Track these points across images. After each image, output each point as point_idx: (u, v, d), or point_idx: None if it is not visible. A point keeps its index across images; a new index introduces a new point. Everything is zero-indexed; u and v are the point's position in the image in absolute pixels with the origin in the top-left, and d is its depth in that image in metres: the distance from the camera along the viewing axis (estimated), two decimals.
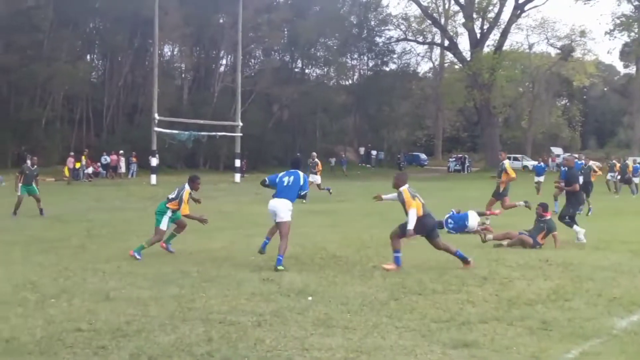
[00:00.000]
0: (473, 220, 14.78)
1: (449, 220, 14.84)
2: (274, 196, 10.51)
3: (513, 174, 17.12)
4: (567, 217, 13.54)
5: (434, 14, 61.16)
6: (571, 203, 13.98)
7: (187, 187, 11.14)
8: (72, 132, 46.89)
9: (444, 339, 6.16)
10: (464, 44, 62.72)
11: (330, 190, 25.12)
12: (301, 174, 10.71)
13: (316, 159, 25.66)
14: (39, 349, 5.76)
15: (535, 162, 32.79)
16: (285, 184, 10.46)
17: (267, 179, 10.99)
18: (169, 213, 11.04)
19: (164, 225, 10.92)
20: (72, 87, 45.80)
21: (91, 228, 14.75)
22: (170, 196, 11.31)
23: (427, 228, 10.02)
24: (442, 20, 61.77)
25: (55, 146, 43.40)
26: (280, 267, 9.59)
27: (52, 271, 9.39)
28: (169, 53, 56.64)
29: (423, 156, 69.66)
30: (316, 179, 24.70)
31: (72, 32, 46.43)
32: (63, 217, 17.58)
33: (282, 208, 10.33)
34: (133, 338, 6.08)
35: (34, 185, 18.39)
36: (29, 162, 19.60)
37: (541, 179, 27.62)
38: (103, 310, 7.07)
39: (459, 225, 14.60)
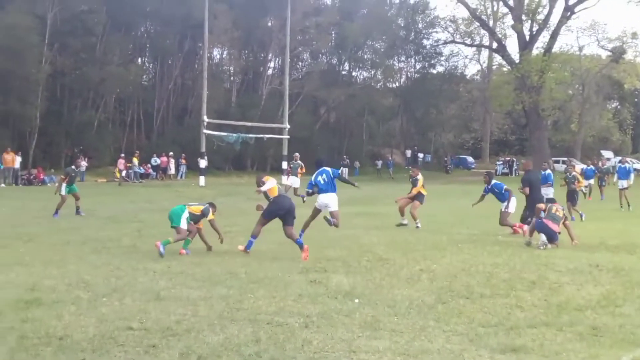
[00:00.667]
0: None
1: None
2: (320, 193, 12.90)
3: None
4: (527, 219, 14.13)
5: (482, 16, 60.42)
6: (528, 206, 14.72)
7: (211, 209, 11.86)
8: (123, 134, 47.74)
9: (492, 343, 6.11)
10: (512, 46, 62.08)
11: (304, 199, 20.96)
12: (328, 168, 13.24)
13: (299, 161, 24.69)
14: (92, 347, 5.85)
15: (584, 166, 32.05)
16: (322, 182, 12.90)
17: (308, 189, 13.46)
18: (187, 214, 11.48)
19: (183, 224, 11.38)
20: (124, 90, 46.67)
21: (142, 228, 14.98)
22: (192, 203, 12.09)
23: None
24: (491, 22, 60.99)
25: (106, 148, 44.21)
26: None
27: (104, 270, 9.54)
28: (218, 56, 57.29)
29: (470, 159, 68.94)
30: (295, 181, 23.68)
31: (124, 36, 47.22)
32: (115, 217, 17.89)
33: (332, 200, 12.95)
34: (182, 337, 6.15)
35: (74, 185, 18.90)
36: (74, 165, 20.10)
37: (590, 182, 27.08)
38: (153, 310, 7.17)
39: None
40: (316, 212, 13.29)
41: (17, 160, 35.00)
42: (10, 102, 37.92)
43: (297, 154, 24.55)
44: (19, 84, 38.33)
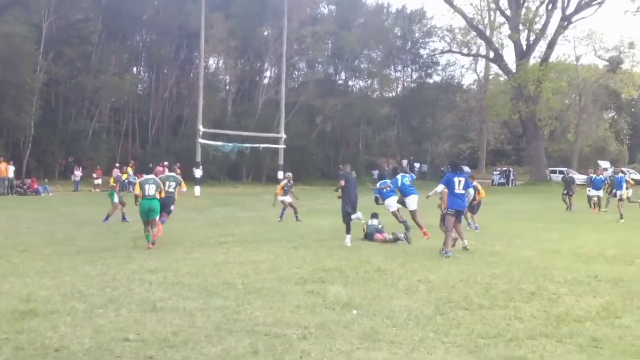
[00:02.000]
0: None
1: None
2: (406, 195, 15.35)
3: None
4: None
5: (479, 26, 60.67)
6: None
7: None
8: (118, 144, 47.78)
9: (492, 355, 6.09)
10: (509, 55, 62.11)
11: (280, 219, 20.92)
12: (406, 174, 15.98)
13: (292, 181, 22.62)
14: (88, 358, 5.83)
15: (584, 176, 31.77)
16: (407, 183, 15.31)
17: (391, 185, 15.73)
18: None
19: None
20: (119, 99, 46.66)
21: (137, 238, 14.88)
22: None
23: None
24: (488, 32, 61.24)
25: (101, 157, 44.10)
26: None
27: (100, 281, 9.48)
28: (214, 65, 57.49)
29: (467, 169, 68.91)
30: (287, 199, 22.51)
31: (119, 45, 47.32)
32: (110, 227, 17.85)
33: (414, 201, 15.27)
34: (180, 349, 6.13)
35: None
36: (117, 171, 22.03)
37: (599, 193, 26.59)
38: (150, 321, 7.14)
39: None
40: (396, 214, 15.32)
41: (11, 170, 34.88)
42: (5, 110, 37.95)
43: (290, 174, 23.51)
44: (14, 92, 38.31)
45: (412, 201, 15.59)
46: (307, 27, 54.63)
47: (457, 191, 13.08)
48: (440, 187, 13.36)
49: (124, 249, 13.18)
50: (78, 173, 39.73)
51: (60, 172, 42.67)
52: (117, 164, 39.93)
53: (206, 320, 7.22)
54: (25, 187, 35.43)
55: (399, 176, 15.88)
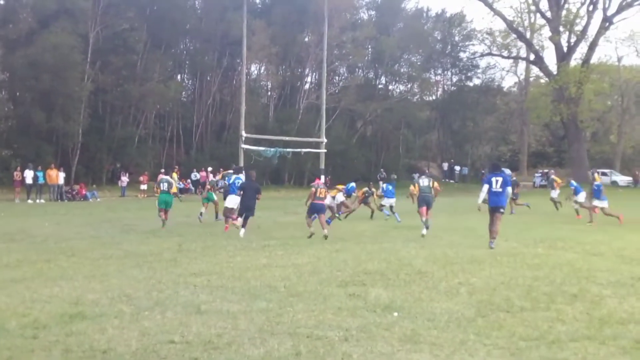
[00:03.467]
0: None
1: None
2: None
3: None
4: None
5: (519, 28, 60.09)
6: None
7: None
8: (163, 150, 48.41)
9: (534, 357, 6.09)
10: (550, 57, 61.48)
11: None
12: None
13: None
14: None
15: (629, 178, 31.32)
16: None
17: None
18: None
19: None
20: (164, 106, 47.37)
21: (182, 242, 15.11)
22: None
23: None
24: (528, 34, 60.60)
25: (147, 163, 44.80)
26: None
27: (146, 284, 9.64)
28: (256, 72, 57.83)
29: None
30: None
31: (164, 53, 47.95)
32: (155, 232, 18.07)
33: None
34: (224, 351, 6.21)
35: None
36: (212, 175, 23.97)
37: None
38: (195, 323, 7.24)
39: None
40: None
41: (61, 177, 35.67)
42: (54, 119, 38.74)
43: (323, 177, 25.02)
44: (63, 101, 39.14)
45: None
46: (347, 32, 54.69)
47: (494, 189, 14.54)
48: (485, 187, 14.72)
49: (169, 253, 13.36)
50: (125, 179, 40.42)
51: (108, 178, 43.45)
52: (162, 170, 40.62)
53: (249, 322, 7.30)
54: (74, 192, 36.21)
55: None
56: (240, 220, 17.44)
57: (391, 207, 23.79)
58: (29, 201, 33.02)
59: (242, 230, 17.03)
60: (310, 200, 17.72)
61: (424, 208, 17.54)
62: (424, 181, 18.14)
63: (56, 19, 38.78)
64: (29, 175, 33.57)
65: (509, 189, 14.89)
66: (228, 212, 19.02)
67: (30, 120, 38.32)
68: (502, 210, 14.63)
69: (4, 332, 6.81)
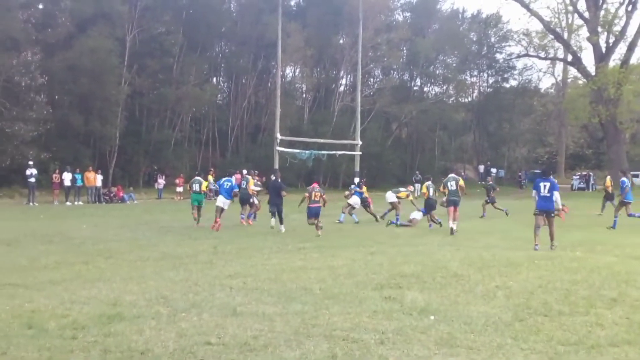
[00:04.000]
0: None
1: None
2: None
3: None
4: None
5: (557, 29, 59.20)
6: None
7: None
8: (199, 152, 48.83)
9: None
10: (588, 58, 60.59)
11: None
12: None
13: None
14: None
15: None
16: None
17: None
18: None
19: None
20: (199, 109, 47.77)
21: (218, 245, 15.21)
22: None
23: None
24: (565, 35, 59.71)
25: (183, 166, 45.18)
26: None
27: (183, 286, 9.71)
28: (291, 74, 58.01)
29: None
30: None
31: (199, 56, 48.33)
32: (191, 234, 18.23)
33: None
34: (260, 353, 6.24)
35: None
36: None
37: None
38: (231, 325, 7.28)
39: None
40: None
41: (99, 179, 36.14)
42: (92, 122, 39.31)
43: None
44: (100, 104, 39.69)
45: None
46: (382, 34, 54.61)
47: (542, 194, 15.26)
48: (534, 193, 15.67)
49: (205, 255, 13.46)
50: (161, 181, 40.81)
51: (145, 181, 43.91)
52: (197, 172, 40.97)
53: (285, 324, 7.32)
54: (111, 195, 36.64)
55: None
56: (219, 221, 19.65)
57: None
58: (67, 203, 33.49)
59: (273, 220, 19.82)
60: (306, 203, 19.10)
61: (452, 208, 18.98)
62: (452, 185, 19.45)
63: (94, 23, 39.32)
64: (67, 177, 34.04)
65: (557, 193, 15.08)
66: (218, 210, 20.30)
67: (69, 124, 38.91)
68: (552, 214, 15.27)
69: (44, 332, 6.91)
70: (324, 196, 19.21)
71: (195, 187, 21.86)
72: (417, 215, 21.79)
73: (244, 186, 22.80)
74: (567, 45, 58.89)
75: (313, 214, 18.58)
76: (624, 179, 22.70)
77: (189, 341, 6.61)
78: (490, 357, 6.15)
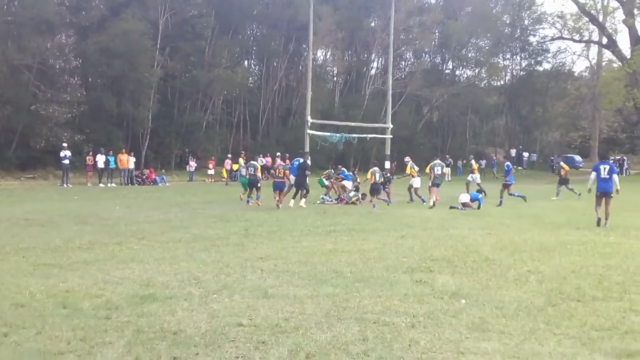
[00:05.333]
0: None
1: None
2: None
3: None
4: None
5: (592, 11, 58.25)
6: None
7: None
8: (230, 135, 49.01)
9: (606, 347, 5.95)
10: (623, 41, 59.42)
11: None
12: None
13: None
14: (204, 341, 6.03)
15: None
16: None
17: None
18: None
19: None
20: (231, 92, 47.89)
21: (249, 227, 15.25)
22: None
23: None
24: (600, 17, 58.72)
25: (214, 148, 45.43)
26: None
27: (214, 268, 9.77)
28: (322, 57, 57.93)
29: (578, 158, 66.33)
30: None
31: (231, 39, 48.40)
32: (222, 216, 18.28)
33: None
34: (291, 334, 6.26)
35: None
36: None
37: None
38: (262, 307, 7.31)
39: None
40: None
41: (131, 161, 36.50)
42: (124, 104, 39.63)
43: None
44: (133, 87, 39.98)
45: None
46: (414, 17, 54.25)
47: (602, 176, 16.18)
48: (593, 175, 16.49)
49: (236, 237, 13.50)
50: (193, 164, 41.12)
51: (176, 163, 44.23)
52: (229, 155, 41.20)
53: (316, 307, 7.33)
54: (143, 177, 36.98)
55: None
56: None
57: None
58: (100, 185, 33.88)
59: (292, 202, 21.33)
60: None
61: (434, 188, 22.27)
62: (438, 169, 22.93)
63: (127, 6, 39.57)
64: (100, 159, 34.44)
65: (615, 177, 16.25)
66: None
67: (102, 106, 39.30)
68: (611, 195, 16.16)
69: (78, 312, 7.01)
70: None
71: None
72: (465, 197, 22.21)
73: (252, 172, 22.97)
74: (602, 28, 57.95)
75: (277, 187, 21.83)
76: None
77: (220, 322, 6.66)
78: (522, 342, 6.10)
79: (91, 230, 14.51)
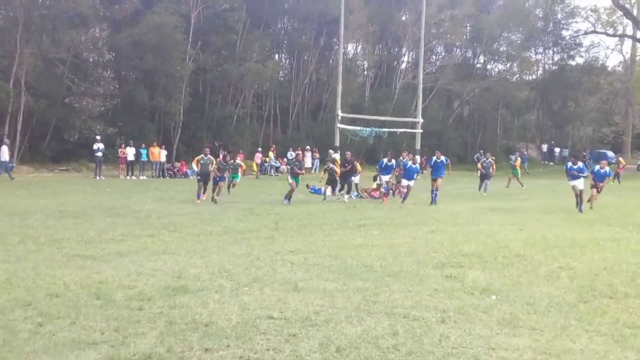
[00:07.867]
0: None
1: None
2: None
3: None
4: None
5: (626, 5, 57.43)
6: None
7: None
8: (261, 128, 49.09)
9: (639, 345, 5.92)
10: None
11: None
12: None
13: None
14: (235, 333, 6.10)
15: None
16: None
17: None
18: None
19: None
20: (261, 86, 47.90)
21: (279, 220, 15.35)
22: None
23: None
24: (635, 11, 57.87)
25: (245, 142, 45.56)
26: None
27: (245, 261, 9.87)
28: (353, 51, 57.69)
29: (610, 154, 65.28)
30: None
31: (262, 33, 48.39)
32: (253, 209, 18.43)
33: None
34: (321, 328, 6.31)
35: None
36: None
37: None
38: (292, 300, 7.38)
39: None
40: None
41: (163, 154, 36.84)
42: (156, 97, 39.93)
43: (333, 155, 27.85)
44: (165, 80, 40.25)
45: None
46: (445, 10, 53.77)
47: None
48: None
49: (266, 230, 13.61)
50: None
51: None
52: (260, 149, 41.35)
53: (346, 301, 7.37)
54: (175, 170, 37.30)
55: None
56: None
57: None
58: (133, 177, 34.25)
59: (346, 196, 22.40)
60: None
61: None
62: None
63: (159, 0, 39.83)
64: (130, 152, 34.81)
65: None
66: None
67: (134, 99, 39.74)
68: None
69: (112, 303, 7.13)
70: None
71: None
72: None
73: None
74: (636, 22, 57.10)
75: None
76: None
77: (251, 315, 6.72)
78: (553, 338, 6.08)
79: (124, 223, 14.70)
